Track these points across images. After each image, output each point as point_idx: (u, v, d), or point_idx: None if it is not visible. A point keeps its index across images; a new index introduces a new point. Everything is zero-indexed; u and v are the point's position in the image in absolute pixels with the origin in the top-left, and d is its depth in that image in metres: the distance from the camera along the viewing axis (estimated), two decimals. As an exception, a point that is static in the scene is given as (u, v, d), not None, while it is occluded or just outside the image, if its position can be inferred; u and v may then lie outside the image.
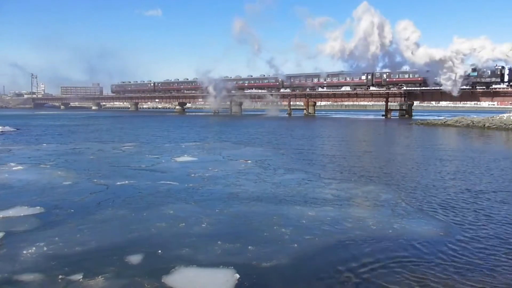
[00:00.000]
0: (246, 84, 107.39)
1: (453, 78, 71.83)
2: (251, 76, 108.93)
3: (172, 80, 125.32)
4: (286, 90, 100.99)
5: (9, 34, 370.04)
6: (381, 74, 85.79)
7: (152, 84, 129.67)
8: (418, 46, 75.63)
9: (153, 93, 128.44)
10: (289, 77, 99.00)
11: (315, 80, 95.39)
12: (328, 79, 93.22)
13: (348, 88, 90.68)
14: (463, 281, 6.26)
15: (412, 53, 74.70)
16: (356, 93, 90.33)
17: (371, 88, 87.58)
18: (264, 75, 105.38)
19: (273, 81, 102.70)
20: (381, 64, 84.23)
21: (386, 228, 8.76)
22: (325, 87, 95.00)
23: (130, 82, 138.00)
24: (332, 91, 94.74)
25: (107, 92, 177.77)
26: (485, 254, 7.33)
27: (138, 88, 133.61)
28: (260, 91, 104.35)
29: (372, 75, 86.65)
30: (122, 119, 69.69)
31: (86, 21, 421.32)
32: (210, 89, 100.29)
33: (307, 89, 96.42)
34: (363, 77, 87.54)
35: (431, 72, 73.85)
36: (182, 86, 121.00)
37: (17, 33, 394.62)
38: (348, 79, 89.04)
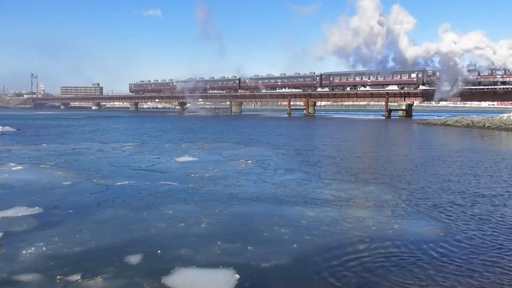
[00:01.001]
0: (279, 83, 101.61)
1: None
2: (284, 74, 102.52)
3: (197, 79, 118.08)
4: (324, 89, 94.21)
5: (9, 34, 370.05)
6: (434, 72, 77.40)
7: (174, 83, 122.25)
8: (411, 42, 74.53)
9: (175, 92, 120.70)
10: (328, 75, 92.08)
11: (357, 79, 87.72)
12: (372, 77, 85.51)
13: (395, 87, 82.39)
14: (463, 281, 6.24)
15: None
16: (356, 93, 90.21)
17: (421, 87, 79.64)
18: (299, 74, 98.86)
19: (310, 79, 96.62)
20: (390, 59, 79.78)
21: (386, 228, 8.75)
22: (368, 86, 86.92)
23: (149, 81, 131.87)
24: (332, 91, 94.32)
25: (107, 92, 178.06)
26: (486, 255, 7.31)
27: (159, 88, 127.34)
28: (295, 90, 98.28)
29: (424, 73, 78.64)
30: (121, 119, 69.63)
31: (86, 21, 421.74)
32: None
33: (347, 88, 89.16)
34: (413, 75, 79.76)
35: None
36: (208, 85, 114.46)
37: (16, 33, 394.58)
38: (395, 77, 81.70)
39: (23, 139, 29.85)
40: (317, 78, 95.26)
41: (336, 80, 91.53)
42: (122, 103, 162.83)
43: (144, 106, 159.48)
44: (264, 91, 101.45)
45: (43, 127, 44.94)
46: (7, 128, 39.48)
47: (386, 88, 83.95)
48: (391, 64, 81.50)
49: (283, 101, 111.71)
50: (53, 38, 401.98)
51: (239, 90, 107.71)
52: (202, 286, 6.19)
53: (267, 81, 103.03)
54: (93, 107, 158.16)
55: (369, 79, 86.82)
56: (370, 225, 8.99)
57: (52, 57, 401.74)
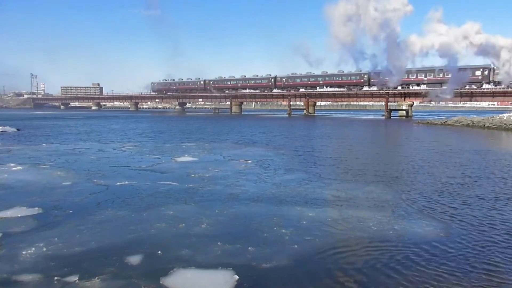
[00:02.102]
0: (321, 82, 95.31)
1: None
2: (326, 72, 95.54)
3: (227, 78, 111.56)
4: (372, 88, 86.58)
5: (8, 34, 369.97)
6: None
7: (202, 82, 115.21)
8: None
9: (203, 92, 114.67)
10: (378, 72, 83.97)
11: (412, 77, 79.93)
12: (430, 74, 77.67)
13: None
14: (464, 282, 6.22)
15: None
16: (356, 93, 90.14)
17: (485, 86, 71.11)
18: (343, 71, 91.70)
19: (356, 78, 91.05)
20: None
21: (386, 229, 8.73)
22: (424, 85, 78.78)
23: (174, 79, 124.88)
24: (332, 91, 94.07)
25: (107, 92, 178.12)
26: (486, 255, 7.29)
27: (185, 87, 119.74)
28: (338, 89, 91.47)
29: (490, 70, 70.85)
30: (121, 119, 69.59)
31: (85, 21, 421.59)
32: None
33: (398, 87, 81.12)
34: (478, 73, 71.90)
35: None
36: (239, 84, 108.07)
37: (16, 33, 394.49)
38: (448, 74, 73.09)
39: (23, 139, 29.83)
40: (364, 76, 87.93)
41: (387, 79, 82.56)
42: (122, 103, 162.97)
43: (144, 106, 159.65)
44: (302, 90, 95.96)
45: (38, 128, 44.90)
46: (7, 128, 39.45)
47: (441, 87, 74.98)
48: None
49: (283, 101, 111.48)
50: (53, 38, 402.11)
51: (274, 90, 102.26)
52: (201, 287, 6.17)
53: (307, 79, 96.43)
54: (93, 107, 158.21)
55: (425, 77, 79.28)
56: (371, 225, 8.97)
57: (52, 57, 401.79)
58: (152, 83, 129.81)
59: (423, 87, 79.26)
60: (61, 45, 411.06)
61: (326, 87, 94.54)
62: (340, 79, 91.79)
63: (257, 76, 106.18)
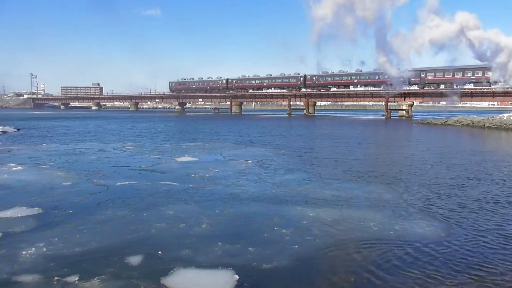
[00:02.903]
0: (355, 81, 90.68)
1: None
2: (360, 70, 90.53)
3: (251, 76, 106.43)
4: (413, 88, 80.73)
5: (8, 34, 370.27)
6: None
7: (224, 81, 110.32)
8: None
9: (225, 91, 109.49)
10: (420, 71, 79.80)
11: (459, 75, 73.26)
12: (478, 73, 70.68)
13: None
14: (465, 282, 6.21)
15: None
16: (356, 93, 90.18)
17: None
18: (378, 70, 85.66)
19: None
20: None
21: (387, 229, 8.71)
22: (471, 84, 72.69)
23: (193, 78, 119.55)
24: (332, 91, 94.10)
25: (107, 92, 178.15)
26: (487, 255, 7.28)
27: (206, 86, 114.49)
28: (373, 89, 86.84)
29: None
30: (121, 120, 69.56)
31: (85, 21, 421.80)
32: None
33: (441, 86, 75.77)
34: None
35: None
36: (265, 83, 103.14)
37: (16, 33, 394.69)
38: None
39: (23, 139, 29.81)
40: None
41: (430, 77, 77.49)
42: (122, 103, 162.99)
43: (144, 106, 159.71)
44: (334, 89, 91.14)
45: (36, 128, 44.89)
46: (7, 128, 39.45)
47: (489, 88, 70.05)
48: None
49: (283, 101, 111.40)
50: (53, 38, 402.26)
51: (303, 89, 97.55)
52: (202, 287, 6.16)
53: (339, 78, 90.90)
54: (93, 107, 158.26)
55: (473, 75, 72.54)
56: (371, 225, 8.96)
57: (52, 57, 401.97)
58: (170, 82, 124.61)
59: (470, 86, 74.13)
60: (61, 45, 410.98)
61: (359, 86, 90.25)
62: (376, 78, 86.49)
63: (284, 75, 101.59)
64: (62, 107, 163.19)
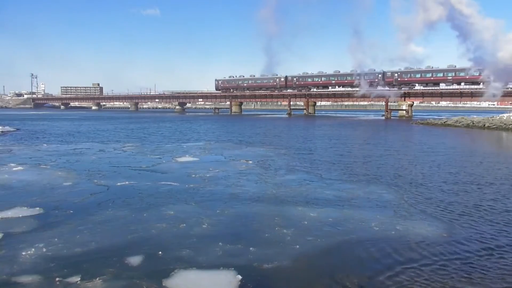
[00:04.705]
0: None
1: None
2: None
3: (314, 73, 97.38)
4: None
5: (8, 34, 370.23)
6: None
7: (283, 79, 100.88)
8: None
9: (283, 90, 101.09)
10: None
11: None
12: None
13: None
14: (465, 282, 6.18)
15: None
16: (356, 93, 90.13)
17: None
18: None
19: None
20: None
21: (388, 229, 8.68)
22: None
23: (243, 76, 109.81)
24: (332, 91, 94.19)
25: (107, 92, 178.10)
26: (488, 256, 7.25)
27: (260, 84, 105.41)
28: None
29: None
30: (121, 120, 69.41)
31: (85, 21, 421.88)
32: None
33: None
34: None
35: None
36: (333, 81, 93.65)
37: (15, 33, 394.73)
38: None
39: (24, 139, 29.78)
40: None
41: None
42: (122, 103, 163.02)
43: (144, 106, 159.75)
44: (419, 87, 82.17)
45: (33, 128, 44.87)
46: (7, 128, 39.45)
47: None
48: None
49: (283, 101, 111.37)
50: (53, 38, 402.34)
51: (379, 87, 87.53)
52: (204, 288, 6.14)
53: (419, 75, 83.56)
54: (93, 107, 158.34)
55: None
56: (373, 225, 8.93)
57: (52, 57, 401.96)
58: (216, 80, 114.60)
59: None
60: (61, 45, 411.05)
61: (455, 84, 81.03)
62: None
63: (354, 71, 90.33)
64: (62, 107, 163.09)
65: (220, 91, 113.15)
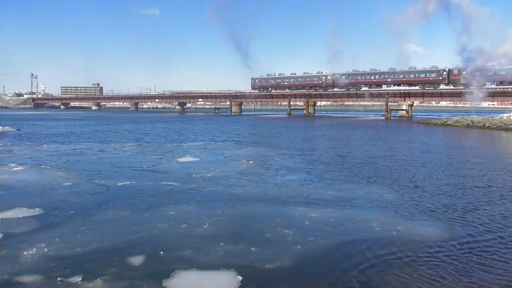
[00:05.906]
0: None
1: None
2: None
3: (367, 71, 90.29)
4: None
5: (8, 33, 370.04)
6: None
7: (329, 77, 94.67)
8: None
9: (329, 89, 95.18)
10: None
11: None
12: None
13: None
14: (467, 282, 6.17)
15: None
16: (356, 93, 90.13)
17: None
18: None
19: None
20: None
21: (390, 229, 8.67)
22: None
23: (283, 74, 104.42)
24: (332, 91, 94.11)
25: (107, 92, 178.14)
26: (489, 256, 7.24)
27: (302, 83, 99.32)
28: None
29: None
30: (122, 120, 69.40)
31: (84, 21, 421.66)
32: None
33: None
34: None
35: None
36: (389, 79, 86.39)
37: (16, 33, 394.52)
38: None
39: (24, 139, 29.76)
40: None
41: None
42: (122, 103, 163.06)
43: (144, 106, 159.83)
44: (490, 84, 73.43)
45: (44, 128, 44.85)
46: (7, 128, 39.43)
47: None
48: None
49: (283, 101, 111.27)
50: (53, 38, 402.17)
51: (442, 86, 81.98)
52: (205, 288, 6.12)
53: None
54: (93, 107, 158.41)
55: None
56: (374, 226, 8.92)
57: (52, 57, 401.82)
58: (252, 78, 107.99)
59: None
60: (61, 45, 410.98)
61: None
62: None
63: (414, 68, 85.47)
64: (62, 107, 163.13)
65: (256, 90, 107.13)
